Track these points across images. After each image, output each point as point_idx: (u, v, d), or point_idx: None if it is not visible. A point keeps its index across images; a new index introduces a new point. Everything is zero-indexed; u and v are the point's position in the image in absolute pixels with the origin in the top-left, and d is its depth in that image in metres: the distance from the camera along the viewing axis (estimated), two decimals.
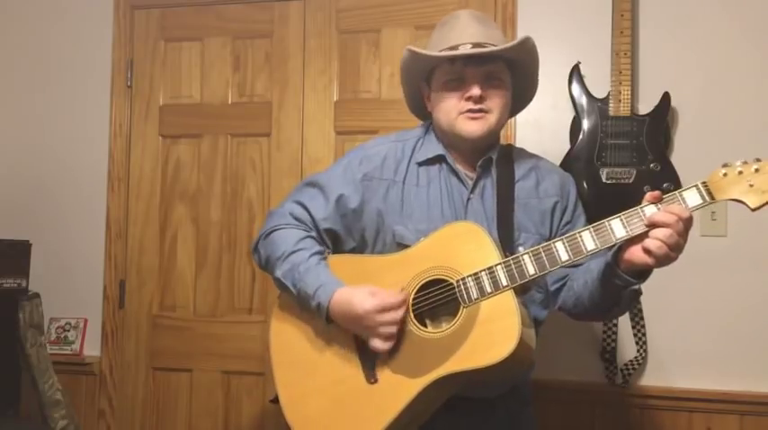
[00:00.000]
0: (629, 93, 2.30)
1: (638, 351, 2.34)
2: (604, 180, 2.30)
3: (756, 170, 1.41)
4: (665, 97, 2.31)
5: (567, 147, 2.37)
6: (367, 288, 1.57)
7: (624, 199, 2.23)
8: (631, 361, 2.34)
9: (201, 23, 2.79)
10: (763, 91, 2.34)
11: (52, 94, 2.90)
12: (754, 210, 1.41)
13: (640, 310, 2.32)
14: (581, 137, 2.35)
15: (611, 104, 2.32)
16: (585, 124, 2.35)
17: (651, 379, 2.37)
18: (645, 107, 2.34)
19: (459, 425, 1.65)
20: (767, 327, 2.30)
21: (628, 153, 2.29)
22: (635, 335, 2.34)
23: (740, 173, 1.42)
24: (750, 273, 2.31)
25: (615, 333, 2.35)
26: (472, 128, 1.67)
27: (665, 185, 2.26)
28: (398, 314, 1.54)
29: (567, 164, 2.32)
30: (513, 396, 1.70)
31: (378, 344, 1.56)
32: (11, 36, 2.96)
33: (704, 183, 1.45)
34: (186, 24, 2.81)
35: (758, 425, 2.26)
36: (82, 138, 2.86)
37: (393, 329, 1.54)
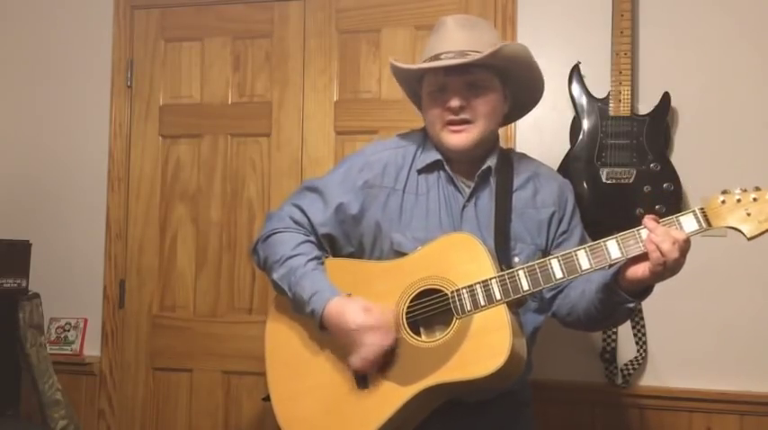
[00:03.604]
0: (629, 93, 2.30)
1: (638, 351, 2.34)
2: (604, 180, 2.30)
3: (755, 199, 1.42)
4: (665, 97, 2.30)
5: (567, 147, 2.37)
6: (360, 302, 1.57)
7: (624, 199, 2.26)
8: (631, 361, 2.34)
9: (201, 23, 2.79)
10: (763, 91, 2.34)
11: (52, 94, 2.90)
12: (749, 239, 1.42)
13: (640, 311, 2.32)
14: (581, 137, 2.35)
15: (611, 104, 2.31)
16: (585, 124, 2.35)
17: (651, 379, 2.37)
18: (645, 107, 2.34)
19: (453, 428, 1.64)
20: (767, 328, 2.30)
21: (628, 153, 2.29)
22: (635, 335, 2.34)
23: (738, 201, 1.43)
24: (750, 273, 2.31)
25: (615, 333, 2.35)
26: (455, 141, 1.67)
27: (665, 185, 2.26)
28: (386, 339, 1.53)
29: (566, 164, 2.33)
30: (508, 399, 1.70)
31: (356, 362, 1.56)
32: (11, 36, 2.95)
33: (702, 209, 1.46)
34: (186, 24, 2.81)
35: (758, 425, 2.26)
36: (82, 138, 2.86)
37: (374, 354, 1.54)
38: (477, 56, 1.62)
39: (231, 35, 2.77)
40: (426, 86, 1.71)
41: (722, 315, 2.32)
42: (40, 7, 2.94)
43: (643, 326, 2.33)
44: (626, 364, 2.34)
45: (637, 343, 2.34)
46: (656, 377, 2.37)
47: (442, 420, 1.62)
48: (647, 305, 2.29)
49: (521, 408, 1.77)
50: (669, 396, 2.32)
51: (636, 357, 2.34)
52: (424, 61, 1.69)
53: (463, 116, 1.65)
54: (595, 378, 2.39)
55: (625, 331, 2.35)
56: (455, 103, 1.64)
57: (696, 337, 2.34)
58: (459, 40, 1.66)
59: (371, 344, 1.53)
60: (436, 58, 1.66)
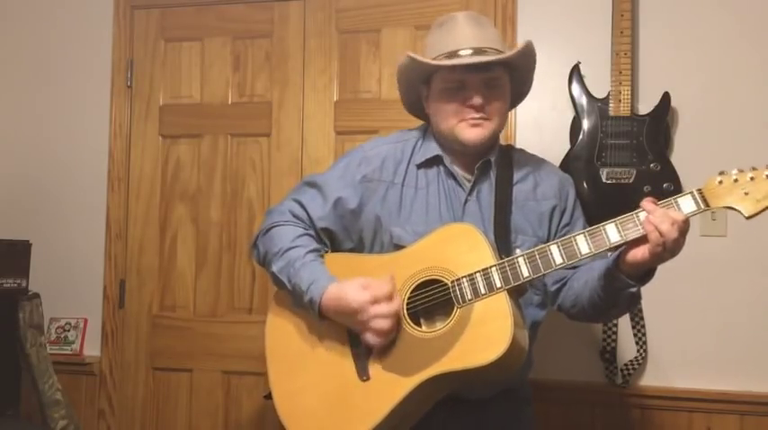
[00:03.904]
0: (629, 93, 2.30)
1: (638, 351, 2.34)
2: (604, 180, 2.30)
3: (752, 178, 1.42)
4: (665, 97, 2.31)
5: (567, 147, 2.37)
6: (358, 281, 1.57)
7: (624, 199, 2.25)
8: (631, 361, 2.34)
9: (201, 23, 2.79)
10: (763, 91, 2.34)
11: (52, 93, 2.90)
12: (748, 217, 1.42)
13: (640, 310, 2.32)
14: (581, 137, 2.35)
15: (611, 104, 2.32)
16: (585, 124, 2.35)
17: (651, 379, 2.37)
18: (645, 107, 2.34)
19: (454, 426, 1.65)
20: (767, 327, 2.30)
21: (628, 153, 2.29)
22: (635, 335, 2.34)
23: (735, 181, 1.43)
24: (750, 272, 2.31)
25: (615, 333, 2.35)
26: (473, 135, 1.67)
27: (665, 185, 2.26)
28: (391, 307, 1.53)
29: (566, 164, 2.32)
30: (509, 396, 1.70)
31: (371, 338, 1.55)
32: (11, 36, 2.95)
33: (699, 190, 1.46)
34: (186, 24, 2.81)
35: (758, 425, 2.26)
36: (82, 138, 2.86)
37: (386, 324, 1.53)
38: (496, 53, 1.64)
39: (231, 35, 2.77)
40: (440, 82, 1.69)
41: (722, 314, 2.32)
42: (40, 7, 2.93)
43: (643, 326, 2.33)
44: (626, 364, 2.34)
45: (637, 343, 2.34)
46: (656, 377, 2.37)
47: (444, 418, 1.62)
48: (647, 305, 2.30)
49: (522, 406, 1.78)
50: (669, 396, 2.32)
51: (636, 357, 2.34)
52: (437, 57, 1.67)
53: (483, 113, 1.66)
54: (595, 378, 2.39)
55: (625, 331, 2.35)
56: (478, 100, 1.65)
57: (696, 337, 2.34)
58: (472, 36, 1.66)
59: (379, 315, 1.52)
60: (453, 53, 1.65)
